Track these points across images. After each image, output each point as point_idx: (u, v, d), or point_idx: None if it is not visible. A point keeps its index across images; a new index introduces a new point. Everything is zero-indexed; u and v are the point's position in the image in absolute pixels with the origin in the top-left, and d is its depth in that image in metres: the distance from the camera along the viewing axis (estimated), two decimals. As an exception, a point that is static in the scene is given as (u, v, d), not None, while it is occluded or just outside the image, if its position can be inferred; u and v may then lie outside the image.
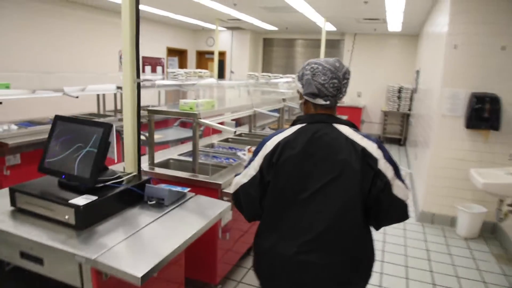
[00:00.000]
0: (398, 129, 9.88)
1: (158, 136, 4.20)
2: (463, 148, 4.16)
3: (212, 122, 2.52)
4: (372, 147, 1.38)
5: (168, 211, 2.02)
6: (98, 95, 5.85)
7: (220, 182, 2.49)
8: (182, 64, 11.35)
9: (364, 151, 1.36)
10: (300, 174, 1.37)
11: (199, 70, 8.44)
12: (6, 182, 4.12)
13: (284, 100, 4.62)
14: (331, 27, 8.98)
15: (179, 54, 11.17)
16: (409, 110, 9.24)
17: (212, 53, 9.77)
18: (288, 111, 4.76)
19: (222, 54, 11.31)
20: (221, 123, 2.61)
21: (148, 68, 9.74)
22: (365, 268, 1.43)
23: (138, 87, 2.35)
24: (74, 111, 5.64)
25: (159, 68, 10.15)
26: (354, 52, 10.07)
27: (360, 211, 1.37)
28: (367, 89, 10.12)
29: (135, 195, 2.07)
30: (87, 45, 7.67)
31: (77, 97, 4.70)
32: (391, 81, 9.69)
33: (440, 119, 4.22)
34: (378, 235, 4.04)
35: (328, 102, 1.42)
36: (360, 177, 1.34)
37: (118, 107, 5.94)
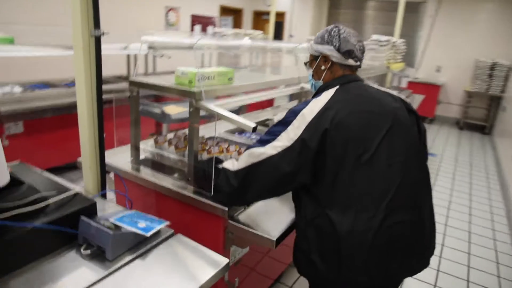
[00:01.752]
0: (483, 114, 8.19)
1: (177, 110, 3.31)
2: None
3: (220, 108, 1.52)
4: (401, 96, 1.44)
5: (114, 271, 1.13)
6: (128, 56, 5.04)
7: (225, 208, 1.53)
8: (237, 25, 10.32)
9: (402, 100, 1.43)
10: (357, 135, 1.27)
11: (251, 31, 7.40)
12: (6, 154, 3.52)
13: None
14: (413, -15, 7.37)
15: (233, 14, 10.12)
16: (502, 92, 7.51)
17: (270, 13, 8.60)
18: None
19: (280, 15, 10.08)
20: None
21: (197, 28, 8.84)
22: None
23: (98, 43, 1.42)
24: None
25: (210, 29, 9.22)
26: (438, 18, 8.34)
27: (424, 154, 1.42)
28: (449, 63, 8.43)
29: (62, 235, 1.18)
30: (129, 0, 6.89)
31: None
32: (481, 55, 7.92)
33: None
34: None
35: (358, 63, 1.45)
36: (411, 122, 1.38)
37: (150, 70, 5.16)
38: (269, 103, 6.25)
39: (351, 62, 1.42)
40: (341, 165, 1.24)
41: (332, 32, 1.41)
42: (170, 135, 2.02)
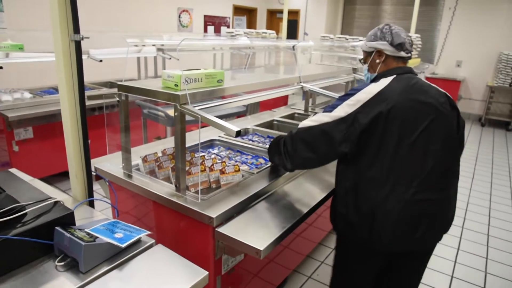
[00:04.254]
0: (507, 110, 7.87)
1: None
2: None
3: (204, 112, 1.47)
4: (446, 92, 1.58)
5: (87, 284, 1.09)
6: (138, 59, 5.06)
7: (212, 215, 1.47)
8: (251, 25, 10.27)
9: (446, 94, 1.57)
10: (405, 119, 1.42)
11: (263, 30, 7.33)
12: (15, 160, 3.58)
13: (355, 70, 3.37)
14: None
15: (247, 13, 10.07)
16: (527, 86, 7.19)
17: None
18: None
19: (295, 14, 9.97)
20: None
21: (210, 29, 8.83)
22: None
23: (78, 47, 1.38)
24: (106, 77, 4.95)
25: (223, 29, 9.19)
26: (457, 10, 8.05)
27: (459, 147, 1.57)
28: (470, 57, 8.12)
29: (38, 246, 1.15)
30: (141, 2, 6.92)
31: (100, 60, 3.93)
32: (504, 47, 7.60)
33: None
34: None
35: (409, 55, 1.61)
36: (452, 116, 1.52)
37: (159, 73, 5.16)
38: (284, 101, 6.17)
39: (403, 54, 1.58)
40: (386, 144, 1.42)
41: (384, 29, 1.59)
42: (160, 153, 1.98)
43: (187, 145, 2.14)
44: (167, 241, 1.78)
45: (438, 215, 1.50)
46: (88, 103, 3.99)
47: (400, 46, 1.57)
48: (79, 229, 1.22)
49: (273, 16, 10.55)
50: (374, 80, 1.59)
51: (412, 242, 1.48)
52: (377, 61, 1.62)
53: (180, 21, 7.93)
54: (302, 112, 3.56)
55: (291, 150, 1.58)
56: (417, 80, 1.54)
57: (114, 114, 2.23)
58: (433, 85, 1.57)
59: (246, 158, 2.26)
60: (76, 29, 1.39)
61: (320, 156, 1.54)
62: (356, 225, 1.51)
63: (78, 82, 1.44)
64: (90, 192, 1.60)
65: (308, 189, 1.99)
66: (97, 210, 1.55)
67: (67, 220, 1.25)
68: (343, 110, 1.46)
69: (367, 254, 1.59)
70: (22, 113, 3.47)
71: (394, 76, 1.53)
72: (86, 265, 1.12)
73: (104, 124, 2.24)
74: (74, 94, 1.46)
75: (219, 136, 2.51)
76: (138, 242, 1.29)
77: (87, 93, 4.12)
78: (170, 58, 5.09)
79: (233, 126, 1.37)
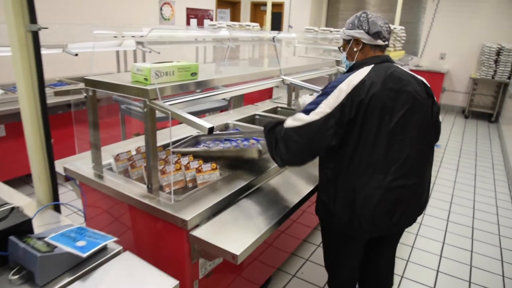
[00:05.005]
0: (490, 102, 7.94)
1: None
2: None
3: (175, 108, 1.37)
4: (423, 79, 1.62)
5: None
6: (117, 53, 4.90)
7: (185, 218, 1.38)
8: (235, 18, 10.12)
9: (423, 82, 1.60)
10: (384, 109, 1.45)
11: (246, 23, 7.20)
12: (-14, 158, 3.42)
13: (339, 63, 3.30)
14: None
15: (231, 6, 9.92)
16: (509, 78, 7.24)
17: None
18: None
19: (279, 6, 9.85)
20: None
21: (193, 21, 8.65)
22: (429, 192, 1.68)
23: (36, 39, 1.27)
24: (84, 72, 4.74)
25: (207, 22, 9.02)
26: (441, 2, 8.05)
27: (434, 134, 1.66)
28: (454, 50, 8.15)
29: (-12, 256, 1.04)
30: (120, -6, 6.72)
31: (76, 54, 3.77)
32: (487, 40, 7.64)
33: None
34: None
35: (386, 43, 1.62)
36: (427, 104, 1.56)
37: (140, 67, 5.01)
38: (268, 95, 6.07)
39: (379, 42, 1.59)
40: (366, 133, 1.45)
41: (361, 18, 1.60)
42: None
43: (169, 141, 2.04)
44: (140, 246, 1.69)
45: (413, 200, 1.57)
46: (61, 99, 3.84)
47: (377, 35, 1.58)
48: (38, 238, 1.11)
49: (257, 9, 10.41)
50: (352, 68, 1.61)
51: (389, 226, 1.55)
52: (355, 49, 1.63)
53: (162, 14, 7.74)
54: (285, 106, 3.48)
55: (284, 151, 1.52)
56: (395, 68, 1.55)
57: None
58: (411, 72, 1.60)
59: (237, 143, 2.21)
60: (33, 19, 1.27)
61: (313, 154, 1.55)
62: (336, 212, 1.55)
63: (38, 77, 1.33)
64: (55, 196, 1.49)
65: (294, 183, 1.92)
66: (65, 214, 1.44)
67: (24, 228, 1.15)
68: (328, 105, 1.45)
69: (348, 239, 1.66)
70: (-8, 110, 3.30)
71: (372, 65, 1.54)
72: (42, 277, 1.02)
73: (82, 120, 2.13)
74: (34, 90, 1.35)
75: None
76: (103, 250, 1.20)
77: (58, 88, 3.95)
78: (150, 52, 4.94)
79: (206, 122, 1.28)
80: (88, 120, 1.66)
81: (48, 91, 3.82)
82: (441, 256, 2.93)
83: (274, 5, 9.96)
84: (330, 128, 1.44)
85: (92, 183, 1.72)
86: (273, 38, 2.31)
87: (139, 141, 2.29)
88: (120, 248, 1.22)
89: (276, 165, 1.97)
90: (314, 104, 1.49)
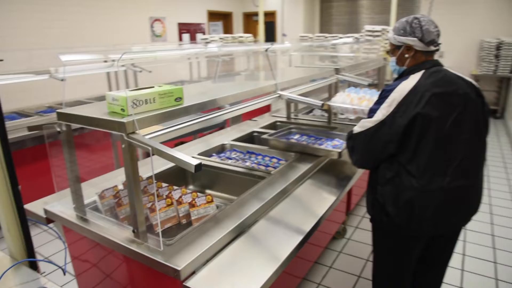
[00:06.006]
0: (493, 98, 7.73)
1: (154, 129, 2.98)
2: None
3: (156, 142, 1.18)
4: (472, 81, 1.62)
5: None
6: (108, 75, 4.75)
7: (177, 267, 1.19)
8: (228, 29, 10.01)
9: (472, 84, 1.60)
10: (439, 112, 1.47)
11: (239, 34, 7.07)
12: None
13: (338, 71, 3.13)
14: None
15: (223, 18, 9.81)
16: (511, 72, 7.07)
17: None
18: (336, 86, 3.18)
19: (271, 15, 9.75)
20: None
21: (185, 36, 8.54)
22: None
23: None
24: (81, 95, 4.55)
25: (199, 36, 8.90)
26: (435, 1, 7.91)
27: (484, 134, 1.64)
28: (452, 47, 7.97)
29: None
30: (111, 13, 6.60)
31: (62, 79, 3.62)
32: (486, 35, 7.48)
33: None
34: None
35: (438, 48, 1.62)
36: (478, 104, 1.57)
37: (132, 86, 4.85)
38: (267, 107, 5.90)
39: (432, 48, 1.59)
40: (424, 138, 1.48)
41: (413, 24, 1.58)
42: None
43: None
44: None
45: (471, 199, 1.60)
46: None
47: (432, 43, 1.58)
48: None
49: (250, 19, 10.31)
50: (402, 75, 1.64)
51: (448, 225, 1.60)
52: (406, 55, 1.63)
53: (153, 30, 7.62)
54: (285, 119, 3.31)
55: (353, 156, 1.68)
56: (445, 72, 1.57)
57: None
58: (460, 75, 1.60)
59: (260, 159, 2.30)
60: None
61: (374, 158, 1.60)
62: (395, 213, 1.57)
63: (-3, 117, 1.15)
64: (29, 249, 1.30)
65: (304, 206, 1.74)
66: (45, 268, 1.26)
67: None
68: (381, 113, 1.53)
69: (405, 239, 1.66)
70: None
71: (423, 71, 1.56)
72: None
73: (58, 153, 1.95)
74: (-6, 132, 1.17)
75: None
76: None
77: (29, 120, 3.60)
78: (141, 71, 4.81)
79: (192, 159, 1.09)
80: (64, 157, 1.48)
81: (31, 120, 3.62)
82: (462, 270, 2.72)
83: (266, 14, 9.86)
84: (383, 135, 1.51)
85: (74, 226, 1.53)
86: (266, 50, 2.14)
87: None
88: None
89: (279, 191, 1.80)
90: (372, 112, 1.58)
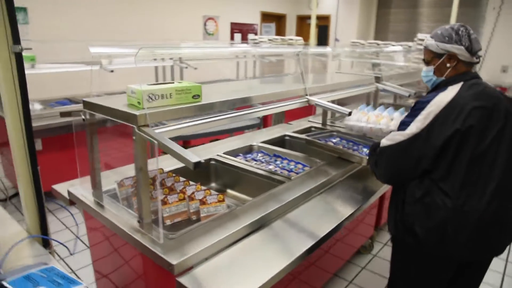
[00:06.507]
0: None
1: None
2: None
3: (163, 138, 1.21)
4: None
5: None
6: (156, 68, 4.93)
7: (172, 261, 1.21)
8: (280, 31, 10.02)
9: (510, 99, 1.50)
10: (478, 127, 1.38)
11: (289, 37, 7.05)
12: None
13: (378, 79, 3.02)
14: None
15: (276, 20, 9.83)
16: None
17: (315, 18, 8.15)
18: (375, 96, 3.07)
19: (325, 19, 9.62)
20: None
21: (237, 36, 8.66)
22: None
23: (19, 60, 1.18)
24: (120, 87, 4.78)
25: (250, 36, 8.99)
26: (503, 10, 7.39)
27: None
28: (520, 61, 7.41)
29: None
30: (165, 11, 6.86)
31: (112, 71, 3.81)
32: (558, 51, 6.87)
33: None
34: None
35: (479, 60, 1.51)
36: None
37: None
38: (309, 111, 5.84)
39: (475, 60, 1.51)
40: (461, 154, 1.38)
41: (460, 32, 1.49)
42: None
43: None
44: (130, 286, 1.55)
45: (510, 223, 1.47)
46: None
47: (476, 53, 1.50)
48: (-3, 282, 0.99)
49: (303, 22, 10.24)
50: (439, 86, 1.53)
51: (486, 249, 1.48)
52: (448, 65, 1.53)
53: (205, 29, 7.81)
54: (320, 125, 3.24)
55: (380, 168, 1.57)
56: (484, 85, 1.48)
57: (106, 129, 2.05)
58: (498, 89, 1.53)
59: (285, 163, 2.29)
60: (16, 39, 1.18)
61: (404, 174, 1.50)
62: (424, 235, 1.45)
63: (22, 101, 1.24)
64: (43, 226, 1.39)
65: (319, 214, 1.70)
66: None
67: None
68: (415, 126, 1.43)
69: (430, 263, 1.54)
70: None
71: (462, 83, 1.47)
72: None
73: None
74: (19, 114, 1.26)
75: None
76: (73, 297, 1.05)
77: (77, 106, 3.88)
78: (186, 67, 4.94)
79: (193, 156, 1.10)
80: (88, 146, 1.56)
81: (77, 106, 3.84)
82: (496, 303, 2.51)
83: (320, 18, 9.76)
84: (416, 149, 1.42)
85: (90, 210, 1.61)
86: (298, 54, 2.11)
87: (162, 161, 2.13)
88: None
89: (296, 196, 1.77)
90: (404, 125, 1.47)
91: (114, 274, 1.72)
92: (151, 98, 1.31)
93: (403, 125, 1.48)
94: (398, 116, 2.36)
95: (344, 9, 9.29)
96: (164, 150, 1.17)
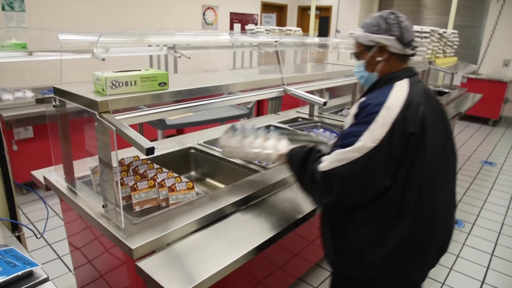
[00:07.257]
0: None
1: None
2: None
3: (121, 124, 1.22)
4: None
5: None
6: (151, 57, 4.94)
7: (131, 246, 1.23)
8: (281, 22, 9.95)
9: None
10: (431, 131, 1.23)
11: (287, 28, 7.01)
12: (14, 159, 3.55)
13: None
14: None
15: (277, 10, 9.76)
16: None
17: (316, 9, 8.07)
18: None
19: (327, 10, 9.55)
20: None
21: (237, 26, 8.61)
22: None
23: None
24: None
25: (249, 27, 8.93)
26: (507, 2, 7.28)
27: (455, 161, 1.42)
28: (522, 55, 7.33)
29: None
30: (164, 0, 6.83)
31: (103, 59, 3.81)
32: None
33: None
34: None
35: (415, 52, 1.36)
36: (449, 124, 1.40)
37: (171, 71, 5.01)
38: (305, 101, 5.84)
39: (408, 51, 1.34)
40: (417, 165, 1.21)
41: (389, 20, 1.31)
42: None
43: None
44: (96, 271, 1.57)
45: (448, 239, 1.41)
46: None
47: (409, 43, 1.32)
48: None
49: (305, 13, 10.16)
50: (378, 84, 1.35)
51: (428, 269, 1.39)
52: (378, 58, 1.34)
53: (204, 18, 7.78)
54: (307, 116, 3.24)
55: (330, 193, 1.25)
56: (424, 86, 1.35)
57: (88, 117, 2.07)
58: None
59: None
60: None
61: (364, 198, 1.24)
62: (375, 261, 1.26)
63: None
64: (11, 209, 1.41)
65: (286, 209, 1.71)
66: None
67: None
68: (371, 136, 1.18)
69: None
70: (20, 112, 3.42)
71: (406, 80, 1.30)
72: None
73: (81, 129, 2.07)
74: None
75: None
76: (28, 277, 1.08)
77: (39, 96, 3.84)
78: (180, 57, 4.94)
79: (146, 142, 1.12)
80: (59, 133, 1.58)
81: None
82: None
83: (321, 9, 9.68)
84: (378, 166, 1.18)
85: (63, 195, 1.63)
86: (276, 42, 2.11)
87: (135, 151, 2.17)
88: (45, 276, 1.09)
89: (269, 184, 1.77)
90: (353, 136, 1.20)
91: (85, 248, 1.75)
92: (114, 85, 1.32)
93: (350, 137, 1.21)
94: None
95: (346, 0, 9.21)
96: (121, 136, 1.18)
